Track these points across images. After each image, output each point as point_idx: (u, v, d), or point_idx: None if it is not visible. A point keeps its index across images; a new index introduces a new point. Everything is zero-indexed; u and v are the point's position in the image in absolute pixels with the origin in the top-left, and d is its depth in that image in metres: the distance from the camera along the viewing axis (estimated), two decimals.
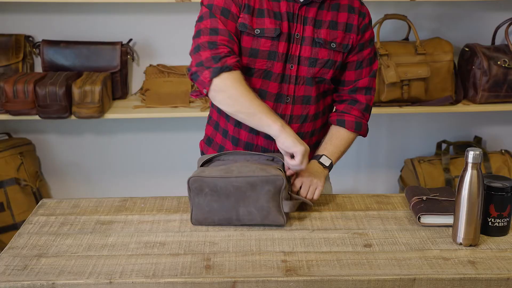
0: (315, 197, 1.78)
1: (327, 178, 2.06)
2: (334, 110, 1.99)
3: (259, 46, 1.79)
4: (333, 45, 1.83)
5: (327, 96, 1.94)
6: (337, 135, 1.92)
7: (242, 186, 1.62)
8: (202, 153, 2.05)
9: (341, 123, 1.92)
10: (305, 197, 1.77)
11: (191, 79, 1.76)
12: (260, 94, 1.81)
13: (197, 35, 1.77)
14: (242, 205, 1.63)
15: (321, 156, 1.88)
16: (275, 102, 1.85)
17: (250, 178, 1.61)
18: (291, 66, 1.82)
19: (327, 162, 1.87)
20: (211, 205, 1.64)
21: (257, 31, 1.78)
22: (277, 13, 1.80)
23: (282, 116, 1.84)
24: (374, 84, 1.95)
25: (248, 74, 1.81)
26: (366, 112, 1.95)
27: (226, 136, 1.94)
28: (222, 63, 1.70)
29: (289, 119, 1.87)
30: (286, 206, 1.64)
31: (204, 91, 1.73)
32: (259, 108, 1.70)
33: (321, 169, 1.86)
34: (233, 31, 1.77)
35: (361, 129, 1.95)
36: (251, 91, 1.72)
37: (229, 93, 1.71)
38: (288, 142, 1.67)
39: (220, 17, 1.76)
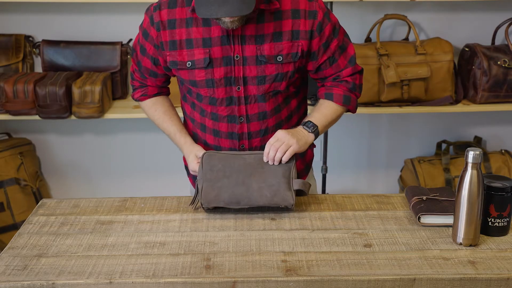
0: (285, 158, 1.72)
1: (311, 175, 2.05)
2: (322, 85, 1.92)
3: (194, 77, 1.77)
4: (280, 59, 1.75)
5: (290, 101, 1.88)
6: (324, 105, 1.85)
7: (253, 162, 1.71)
8: (186, 168, 2.05)
9: (329, 97, 1.86)
10: (273, 158, 1.73)
11: None
12: (213, 117, 1.83)
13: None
14: (253, 180, 1.69)
15: (306, 121, 1.81)
16: (229, 123, 1.82)
17: (262, 155, 1.73)
18: (238, 88, 1.78)
19: (311, 128, 1.80)
20: (222, 181, 1.69)
21: (188, 64, 1.76)
22: (206, 40, 1.73)
23: (239, 135, 1.83)
24: (358, 68, 1.87)
25: (198, 99, 1.84)
26: (354, 90, 1.87)
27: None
28: (133, 95, 1.99)
29: (248, 136, 1.84)
30: (296, 183, 1.71)
31: None
32: (167, 131, 1.94)
33: (303, 133, 1.78)
34: (149, 67, 1.87)
35: (349, 103, 1.87)
36: (158, 116, 1.94)
37: (145, 112, 2.01)
38: (189, 164, 1.87)
39: (138, 52, 1.88)
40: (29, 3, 2.91)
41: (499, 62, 2.87)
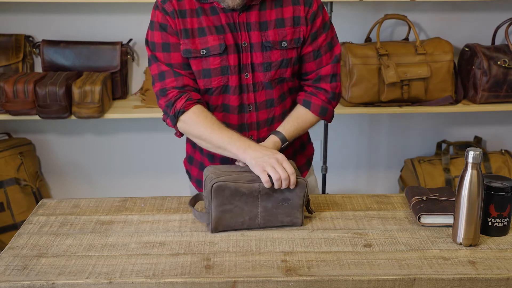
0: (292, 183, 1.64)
1: (311, 171, 2.05)
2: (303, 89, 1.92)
3: (209, 66, 1.77)
4: (284, 44, 1.78)
5: (293, 93, 1.90)
6: (301, 117, 1.85)
7: (265, 189, 1.61)
8: (188, 172, 2.04)
9: (307, 105, 1.85)
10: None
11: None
12: (224, 109, 1.82)
13: (153, 82, 1.82)
14: (265, 204, 1.62)
15: (278, 133, 1.80)
16: (239, 114, 1.82)
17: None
18: (246, 75, 1.79)
19: (282, 140, 1.80)
20: (233, 211, 1.61)
21: (202, 52, 1.76)
22: (218, 27, 1.76)
23: (248, 125, 1.83)
24: (338, 70, 1.87)
25: (208, 93, 1.80)
26: (333, 100, 1.87)
27: (202, 153, 1.92)
28: (174, 110, 1.75)
29: (256, 126, 1.85)
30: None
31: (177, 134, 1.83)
32: (220, 141, 1.71)
33: (274, 147, 1.77)
34: (180, 61, 1.78)
35: (325, 115, 1.87)
36: (210, 123, 1.73)
37: (191, 134, 1.78)
38: (250, 165, 1.65)
39: (162, 55, 1.77)
40: (29, 3, 2.91)
41: (499, 62, 2.87)
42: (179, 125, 1.77)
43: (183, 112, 1.74)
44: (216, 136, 1.72)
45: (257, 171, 1.62)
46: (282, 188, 1.61)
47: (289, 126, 1.82)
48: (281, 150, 1.77)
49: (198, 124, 1.74)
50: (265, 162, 1.62)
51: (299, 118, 1.84)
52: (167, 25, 1.77)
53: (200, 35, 1.76)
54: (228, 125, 1.79)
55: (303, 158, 1.98)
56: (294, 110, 1.87)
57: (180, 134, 1.82)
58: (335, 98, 1.87)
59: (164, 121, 1.81)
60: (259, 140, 1.83)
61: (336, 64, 1.86)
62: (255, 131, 1.85)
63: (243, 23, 1.76)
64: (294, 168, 1.66)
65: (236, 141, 1.69)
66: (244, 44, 1.77)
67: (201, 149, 1.89)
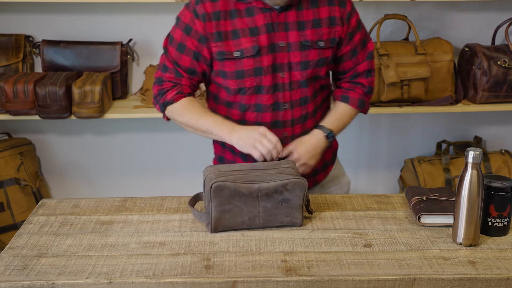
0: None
1: (344, 174, 2.12)
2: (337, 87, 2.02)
3: (242, 67, 1.79)
4: (321, 44, 1.83)
5: (323, 90, 1.96)
6: (341, 110, 1.95)
7: (265, 189, 1.61)
8: None
9: (345, 100, 1.95)
10: None
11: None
12: (257, 108, 1.84)
13: (158, 66, 1.92)
14: (264, 204, 1.62)
15: (322, 127, 1.90)
16: (273, 111, 1.85)
17: (275, 182, 1.61)
18: (283, 74, 1.82)
19: (330, 139, 1.90)
20: (233, 211, 1.61)
21: (236, 54, 1.79)
22: (253, 29, 1.78)
23: (283, 123, 1.86)
24: (373, 65, 1.97)
25: (240, 93, 1.83)
26: (369, 93, 1.98)
27: (234, 153, 1.94)
28: (164, 98, 1.86)
29: (291, 123, 1.88)
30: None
31: (164, 119, 1.94)
32: (206, 125, 1.82)
33: (320, 142, 1.87)
34: (187, 65, 1.84)
35: (363, 107, 1.99)
36: (196, 111, 1.84)
37: (178, 121, 1.89)
38: (237, 144, 1.78)
39: (174, 53, 1.84)
40: (29, 3, 2.91)
41: (499, 62, 2.87)
42: (167, 112, 1.89)
43: (171, 103, 1.86)
44: (202, 121, 1.83)
45: (246, 149, 1.75)
46: (274, 159, 1.69)
47: (332, 119, 1.92)
48: (327, 145, 1.90)
49: (185, 112, 1.85)
50: (251, 138, 1.75)
51: (340, 112, 1.94)
52: (191, 28, 1.80)
53: (234, 37, 1.79)
54: (260, 123, 1.85)
55: (329, 153, 2.05)
56: (334, 106, 1.96)
57: (167, 119, 1.93)
58: (371, 91, 1.99)
59: (154, 105, 1.93)
60: (294, 136, 1.89)
61: (371, 60, 1.96)
62: (290, 128, 1.89)
63: (281, 23, 1.80)
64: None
65: (221, 124, 1.80)
66: (282, 44, 1.81)
67: (231, 149, 1.90)
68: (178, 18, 1.85)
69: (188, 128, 1.89)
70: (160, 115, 2.94)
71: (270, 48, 1.79)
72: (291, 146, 1.85)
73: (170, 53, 1.85)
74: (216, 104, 1.92)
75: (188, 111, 1.85)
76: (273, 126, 1.86)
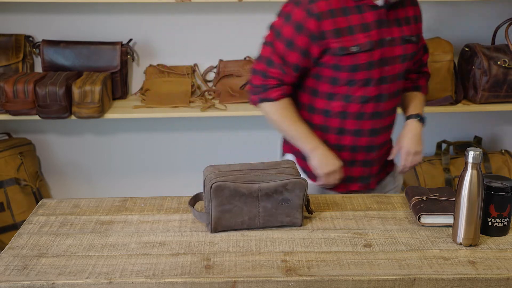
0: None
1: (399, 175, 2.21)
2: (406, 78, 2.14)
3: (358, 61, 1.87)
4: (414, 39, 1.97)
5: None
6: (417, 98, 2.12)
7: (265, 189, 1.61)
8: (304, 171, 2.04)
9: (418, 89, 2.14)
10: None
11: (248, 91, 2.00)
12: (362, 100, 1.93)
13: (258, 58, 1.94)
14: (264, 204, 1.62)
15: (411, 115, 2.07)
16: (375, 103, 1.94)
17: (275, 183, 1.61)
18: (387, 68, 1.92)
19: (416, 117, 2.07)
20: (232, 211, 1.61)
21: (354, 49, 1.86)
22: (365, 25, 1.87)
23: (381, 114, 1.97)
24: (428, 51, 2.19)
25: (349, 85, 1.90)
26: (428, 79, 2.20)
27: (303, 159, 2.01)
28: (266, 94, 1.92)
29: (386, 114, 1.99)
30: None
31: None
32: (294, 133, 1.95)
33: (418, 128, 2.07)
34: (294, 62, 1.87)
35: (427, 92, 2.20)
36: (291, 115, 1.94)
37: (270, 118, 1.97)
38: (313, 164, 1.95)
39: (283, 48, 1.86)
40: (29, 3, 2.91)
41: (499, 62, 2.87)
42: (262, 106, 1.95)
43: (273, 101, 1.93)
44: (292, 128, 1.95)
45: (318, 171, 1.94)
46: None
47: (414, 107, 2.09)
48: (422, 128, 2.10)
49: (280, 113, 1.94)
50: (327, 167, 1.93)
51: (417, 100, 2.12)
52: (304, 27, 1.84)
53: (350, 33, 1.85)
54: (362, 114, 1.94)
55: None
56: (411, 96, 2.12)
57: (255, 104, 1.97)
58: (429, 77, 2.21)
59: (249, 91, 1.99)
60: (388, 126, 2.04)
61: (427, 52, 2.17)
62: (385, 119, 2.00)
63: (387, 20, 1.89)
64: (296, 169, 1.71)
65: (308, 138, 1.94)
66: (389, 39, 1.90)
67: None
68: (287, 15, 1.87)
69: (274, 125, 1.98)
70: (160, 115, 2.96)
71: (379, 43, 1.88)
72: (395, 148, 2.08)
73: (278, 48, 1.88)
74: (314, 98, 1.96)
75: (283, 114, 1.94)
76: (373, 117, 1.96)
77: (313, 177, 1.98)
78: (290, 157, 2.08)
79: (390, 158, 2.11)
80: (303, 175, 1.91)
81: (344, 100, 1.93)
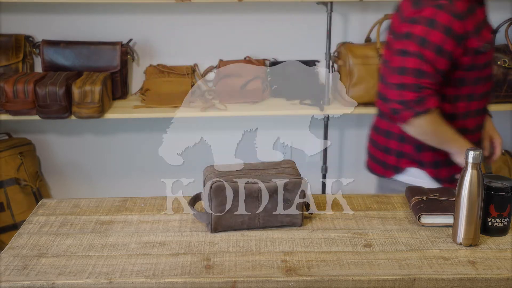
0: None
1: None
2: None
3: (487, 59, 1.89)
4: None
5: None
6: None
7: (265, 189, 1.61)
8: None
9: None
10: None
11: (389, 112, 1.81)
12: (481, 96, 1.94)
13: (401, 71, 1.78)
14: (265, 204, 1.62)
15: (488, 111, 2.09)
16: (480, 100, 1.95)
17: (275, 183, 1.61)
18: (492, 67, 1.97)
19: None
20: (232, 211, 1.61)
21: (483, 47, 1.85)
22: (482, 22, 1.87)
23: (485, 110, 2.01)
24: None
25: (472, 84, 1.89)
26: None
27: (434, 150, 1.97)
28: (424, 107, 1.77)
29: (483, 112, 2.02)
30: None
31: (398, 123, 1.84)
32: (450, 136, 1.86)
33: (492, 122, 2.14)
34: (443, 68, 1.79)
35: None
36: (443, 121, 1.84)
37: (424, 131, 1.83)
38: (459, 160, 1.89)
39: (433, 56, 1.76)
40: (29, 3, 2.91)
41: (499, 62, 2.87)
42: (417, 121, 1.79)
43: (430, 112, 1.78)
44: (449, 131, 1.86)
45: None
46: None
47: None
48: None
49: (438, 121, 1.83)
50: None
51: None
52: (451, 30, 1.77)
53: (478, 31, 1.83)
54: (479, 111, 1.97)
55: None
56: None
57: (405, 121, 1.80)
58: None
59: (395, 110, 1.79)
60: (479, 126, 2.01)
61: None
62: (482, 117, 2.01)
63: (485, 17, 1.92)
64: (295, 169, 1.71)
65: (461, 136, 1.88)
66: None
67: (431, 148, 1.93)
68: (431, 21, 1.77)
69: (428, 137, 1.87)
70: (160, 115, 2.95)
71: (492, 41, 1.94)
72: (486, 140, 2.11)
73: (428, 57, 1.76)
74: (442, 103, 1.88)
75: (439, 122, 1.83)
76: (481, 113, 1.99)
77: (447, 182, 1.95)
78: (415, 171, 1.99)
79: (485, 154, 2.13)
80: (435, 184, 1.95)
81: (468, 98, 1.91)
